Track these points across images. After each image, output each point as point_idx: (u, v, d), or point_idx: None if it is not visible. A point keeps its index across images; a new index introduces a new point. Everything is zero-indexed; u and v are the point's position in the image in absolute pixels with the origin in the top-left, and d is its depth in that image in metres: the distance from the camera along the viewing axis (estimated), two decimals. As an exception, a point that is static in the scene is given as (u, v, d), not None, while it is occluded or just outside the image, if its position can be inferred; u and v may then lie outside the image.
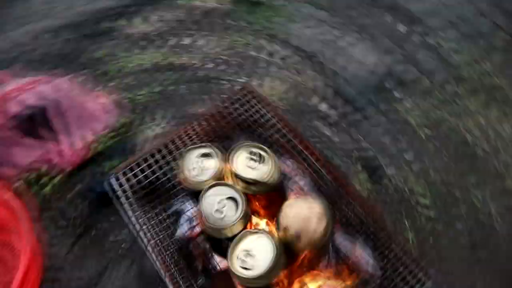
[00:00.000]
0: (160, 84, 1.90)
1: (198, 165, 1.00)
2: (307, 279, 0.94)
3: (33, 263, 1.19)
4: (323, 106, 1.81)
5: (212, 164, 1.01)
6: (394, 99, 1.82)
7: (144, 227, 1.06)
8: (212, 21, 2.18)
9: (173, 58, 2.00)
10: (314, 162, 1.13)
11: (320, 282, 0.94)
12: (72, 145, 1.65)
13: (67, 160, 1.63)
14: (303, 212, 0.88)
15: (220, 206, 0.90)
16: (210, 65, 1.96)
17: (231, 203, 0.92)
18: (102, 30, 2.13)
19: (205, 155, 1.02)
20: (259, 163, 0.97)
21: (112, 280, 1.36)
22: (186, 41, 2.09)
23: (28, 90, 1.68)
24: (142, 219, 1.07)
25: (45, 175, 1.59)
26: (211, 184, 0.94)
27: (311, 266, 0.93)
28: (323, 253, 0.94)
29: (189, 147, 1.04)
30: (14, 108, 1.64)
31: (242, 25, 2.15)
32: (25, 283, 1.15)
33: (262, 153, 0.99)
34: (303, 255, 0.89)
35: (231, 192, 0.93)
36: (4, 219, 1.33)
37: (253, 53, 2.01)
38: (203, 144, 1.05)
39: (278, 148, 1.17)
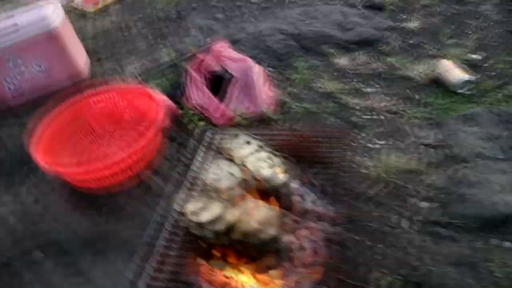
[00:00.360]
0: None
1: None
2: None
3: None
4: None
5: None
6: None
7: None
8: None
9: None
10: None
11: None
12: (231, 111, 2.11)
13: (220, 119, 2.10)
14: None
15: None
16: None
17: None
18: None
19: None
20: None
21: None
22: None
23: (233, 60, 2.23)
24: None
25: (200, 119, 2.12)
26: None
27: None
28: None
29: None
30: (216, 67, 2.24)
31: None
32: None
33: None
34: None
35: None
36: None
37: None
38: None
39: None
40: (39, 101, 2.28)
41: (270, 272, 1.05)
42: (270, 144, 1.38)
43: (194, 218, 1.02)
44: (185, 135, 2.01)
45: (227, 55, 2.26)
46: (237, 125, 2.03)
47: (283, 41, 2.58)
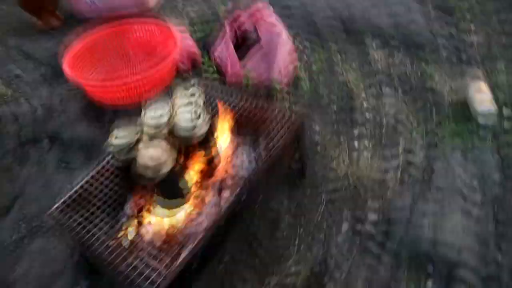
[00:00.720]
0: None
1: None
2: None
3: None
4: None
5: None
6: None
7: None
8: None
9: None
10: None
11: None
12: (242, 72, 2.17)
13: (231, 76, 2.19)
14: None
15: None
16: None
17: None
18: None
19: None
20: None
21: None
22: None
23: (265, 24, 2.26)
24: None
25: (215, 71, 2.23)
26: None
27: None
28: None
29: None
30: (249, 27, 2.29)
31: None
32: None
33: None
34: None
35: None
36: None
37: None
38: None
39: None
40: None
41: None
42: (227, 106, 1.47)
43: (111, 140, 1.17)
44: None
45: (261, 17, 2.29)
46: (244, 86, 2.11)
47: (329, 18, 2.51)
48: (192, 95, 1.28)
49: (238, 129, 1.45)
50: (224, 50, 2.25)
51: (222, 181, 1.31)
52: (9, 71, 2.55)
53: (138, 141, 1.18)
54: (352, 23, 2.47)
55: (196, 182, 1.29)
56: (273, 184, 1.63)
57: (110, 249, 1.15)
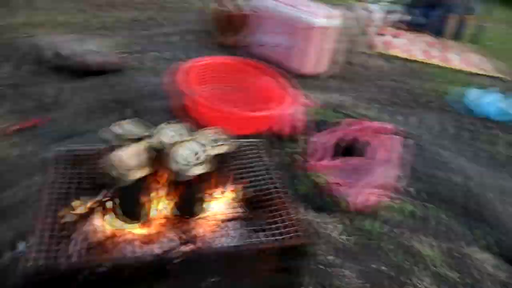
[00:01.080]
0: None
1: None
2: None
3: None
4: None
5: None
6: None
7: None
8: None
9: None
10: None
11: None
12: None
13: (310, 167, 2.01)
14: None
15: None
16: None
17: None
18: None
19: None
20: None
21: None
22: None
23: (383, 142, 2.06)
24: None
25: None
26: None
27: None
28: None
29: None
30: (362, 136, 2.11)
31: None
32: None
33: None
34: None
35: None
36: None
37: None
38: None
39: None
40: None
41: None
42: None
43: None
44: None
45: (382, 136, 2.10)
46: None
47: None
48: (214, 140, 1.14)
49: (248, 208, 1.25)
50: (323, 139, 2.11)
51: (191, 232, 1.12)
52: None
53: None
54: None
55: (163, 214, 1.13)
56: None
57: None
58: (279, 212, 1.23)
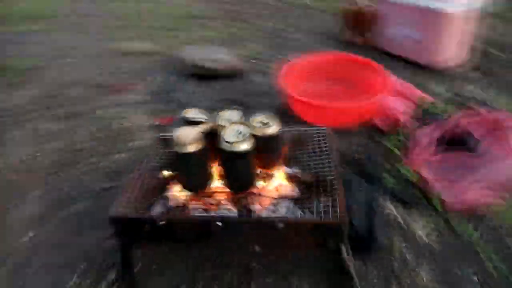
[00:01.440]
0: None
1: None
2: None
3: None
4: None
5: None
6: None
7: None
8: None
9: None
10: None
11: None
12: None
13: (408, 161, 1.88)
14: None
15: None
16: None
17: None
18: None
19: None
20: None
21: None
22: None
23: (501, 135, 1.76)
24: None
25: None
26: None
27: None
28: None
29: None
30: (472, 128, 1.85)
31: None
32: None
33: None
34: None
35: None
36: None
37: None
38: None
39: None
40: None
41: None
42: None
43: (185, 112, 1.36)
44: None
45: (499, 129, 1.79)
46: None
47: None
48: (261, 123, 1.26)
49: (300, 189, 1.33)
50: (426, 133, 1.93)
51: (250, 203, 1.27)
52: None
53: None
54: None
55: (219, 187, 1.32)
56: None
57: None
58: (328, 196, 1.26)
